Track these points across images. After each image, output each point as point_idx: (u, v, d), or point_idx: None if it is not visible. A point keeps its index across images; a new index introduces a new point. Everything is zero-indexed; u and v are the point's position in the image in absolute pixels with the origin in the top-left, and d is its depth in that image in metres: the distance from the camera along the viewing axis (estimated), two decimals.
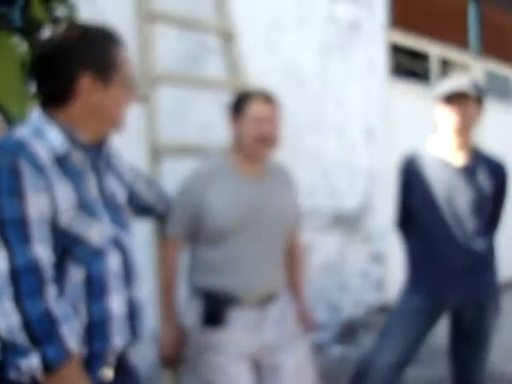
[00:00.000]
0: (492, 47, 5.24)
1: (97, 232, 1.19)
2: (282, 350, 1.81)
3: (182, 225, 1.77)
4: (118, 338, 1.22)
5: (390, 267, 4.21)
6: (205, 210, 1.74)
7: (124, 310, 1.25)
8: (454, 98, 2.05)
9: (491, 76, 5.37)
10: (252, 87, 1.87)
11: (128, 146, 2.73)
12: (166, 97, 2.98)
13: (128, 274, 1.28)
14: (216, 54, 3.09)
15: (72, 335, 1.09)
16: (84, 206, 1.17)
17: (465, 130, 2.08)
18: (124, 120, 1.30)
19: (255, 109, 1.75)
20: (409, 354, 2.11)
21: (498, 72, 5.48)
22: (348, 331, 3.90)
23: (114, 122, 1.27)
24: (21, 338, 1.03)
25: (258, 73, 3.43)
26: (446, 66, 4.94)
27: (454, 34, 4.94)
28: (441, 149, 2.16)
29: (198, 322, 1.74)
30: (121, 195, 1.37)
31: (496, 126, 5.34)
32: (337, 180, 3.85)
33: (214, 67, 3.13)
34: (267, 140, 1.74)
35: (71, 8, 2.06)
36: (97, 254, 1.19)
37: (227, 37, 2.64)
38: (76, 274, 1.16)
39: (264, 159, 1.83)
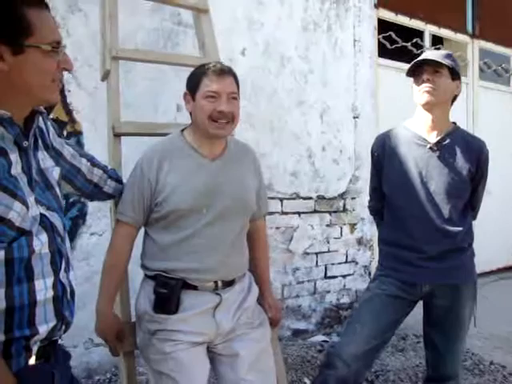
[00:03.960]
0: (488, 28, 5.07)
1: (18, 211, 1.09)
2: (240, 337, 1.72)
3: (133, 208, 1.67)
4: (42, 325, 1.13)
5: (377, 252, 4.11)
6: (158, 190, 1.64)
7: (51, 294, 1.15)
8: (424, 69, 1.94)
9: (487, 54, 5.21)
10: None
11: (98, 128, 2.67)
12: (139, 77, 2.89)
13: (57, 256, 1.19)
14: (191, 31, 2.98)
15: None
16: (2, 185, 1.07)
17: (437, 103, 1.96)
18: (53, 91, 1.17)
19: (207, 84, 1.63)
20: (378, 343, 1.99)
21: (495, 50, 5.31)
22: (333, 319, 3.82)
23: (36, 93, 1.14)
24: None
25: (239, 51, 3.32)
26: (439, 44, 4.78)
27: (449, 15, 4.78)
28: (416, 126, 2.04)
29: (149, 308, 1.65)
30: (53, 173, 1.26)
31: (492, 104, 5.21)
32: (321, 162, 3.74)
33: (189, 45, 3.02)
34: (221, 117, 1.63)
35: None
36: (19, 235, 1.10)
37: (199, 12, 2.51)
38: None
39: (220, 137, 1.71)
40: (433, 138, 2.00)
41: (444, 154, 1.98)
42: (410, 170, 1.99)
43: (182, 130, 1.76)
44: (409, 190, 1.99)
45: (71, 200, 2.71)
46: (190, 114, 1.72)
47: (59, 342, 1.24)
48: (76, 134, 2.75)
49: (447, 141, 1.99)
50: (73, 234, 2.72)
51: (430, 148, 1.98)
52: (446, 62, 1.93)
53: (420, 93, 1.95)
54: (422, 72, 1.95)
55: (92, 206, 2.76)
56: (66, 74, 2.61)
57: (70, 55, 2.76)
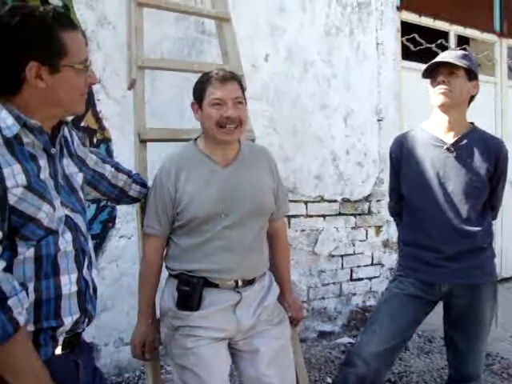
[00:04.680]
0: None
1: (46, 212, 1.19)
2: (260, 333, 1.78)
3: (159, 221, 1.75)
4: (67, 317, 1.22)
5: None
6: (178, 199, 1.72)
7: (75, 289, 1.24)
8: (439, 71, 1.95)
9: None
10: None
11: (126, 135, 2.78)
12: (165, 85, 2.99)
13: (80, 254, 1.28)
14: (214, 40, 3.07)
15: (18, 308, 1.09)
16: (33, 187, 1.17)
17: (453, 105, 1.97)
18: (81, 104, 1.29)
19: (212, 92, 1.68)
20: (398, 342, 2.01)
21: None
22: (359, 321, 3.83)
23: (67, 106, 1.26)
24: None
25: (262, 57, 3.40)
26: (465, 44, 4.73)
27: (475, 14, 4.72)
28: (433, 128, 2.06)
29: (172, 305, 1.73)
30: (77, 178, 1.36)
31: None
32: (345, 165, 3.77)
33: (213, 52, 3.11)
34: (229, 122, 1.67)
35: None
36: (46, 234, 1.20)
37: (221, 21, 2.59)
38: (24, 253, 1.16)
39: (230, 142, 1.75)
40: (450, 138, 2.01)
41: (461, 154, 1.99)
42: (428, 170, 2.01)
43: (196, 139, 1.83)
44: (426, 191, 2.01)
45: (101, 204, 2.83)
46: (199, 121, 1.78)
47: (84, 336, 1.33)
48: (105, 142, 2.87)
49: (464, 141, 2.00)
50: (102, 236, 2.84)
51: (447, 149, 1.99)
52: (462, 63, 1.94)
53: (435, 94, 1.97)
54: (437, 73, 1.96)
55: (121, 210, 2.87)
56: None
57: (99, 66, 2.90)
